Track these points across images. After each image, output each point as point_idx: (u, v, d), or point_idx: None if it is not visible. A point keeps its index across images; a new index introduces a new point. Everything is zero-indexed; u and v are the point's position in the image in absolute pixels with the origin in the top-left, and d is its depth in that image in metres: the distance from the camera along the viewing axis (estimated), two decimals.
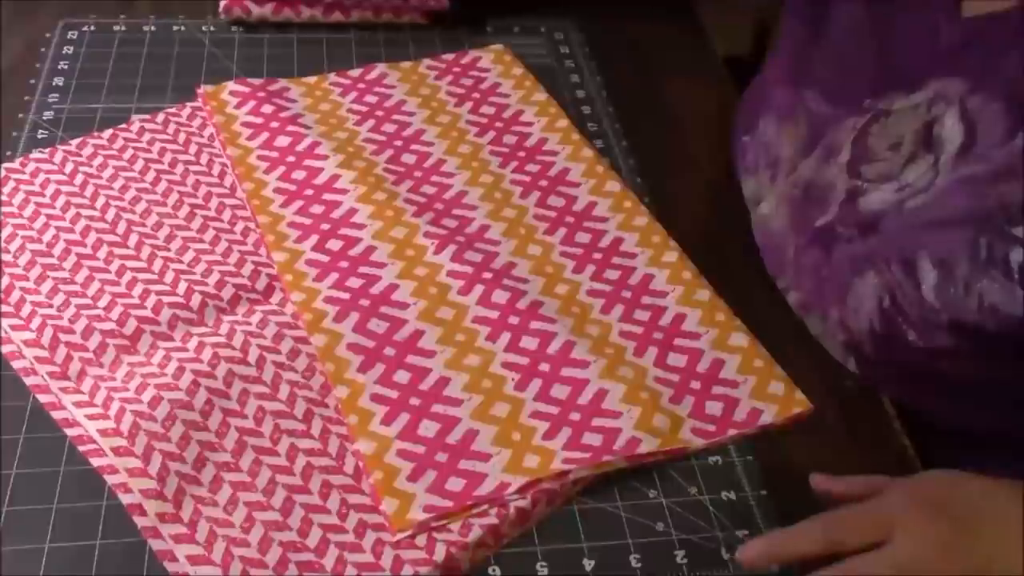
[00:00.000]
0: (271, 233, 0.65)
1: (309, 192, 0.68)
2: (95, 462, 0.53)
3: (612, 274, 0.65)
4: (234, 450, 0.53)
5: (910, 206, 0.58)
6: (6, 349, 0.58)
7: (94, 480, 0.53)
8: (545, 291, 0.63)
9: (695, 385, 0.59)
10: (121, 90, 0.77)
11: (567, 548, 0.53)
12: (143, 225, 0.65)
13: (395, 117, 0.76)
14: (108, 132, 0.72)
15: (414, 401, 0.56)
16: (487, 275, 0.63)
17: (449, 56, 0.82)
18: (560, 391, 0.57)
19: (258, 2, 0.84)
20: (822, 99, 0.67)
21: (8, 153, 0.70)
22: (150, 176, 0.69)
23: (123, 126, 0.73)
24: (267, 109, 0.74)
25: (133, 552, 0.50)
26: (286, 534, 0.50)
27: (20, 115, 0.74)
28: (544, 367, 0.58)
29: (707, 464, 0.57)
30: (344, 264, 0.63)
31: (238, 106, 0.74)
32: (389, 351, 0.59)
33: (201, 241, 0.65)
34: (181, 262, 0.63)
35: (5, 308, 0.59)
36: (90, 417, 0.54)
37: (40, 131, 0.73)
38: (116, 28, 0.83)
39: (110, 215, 0.65)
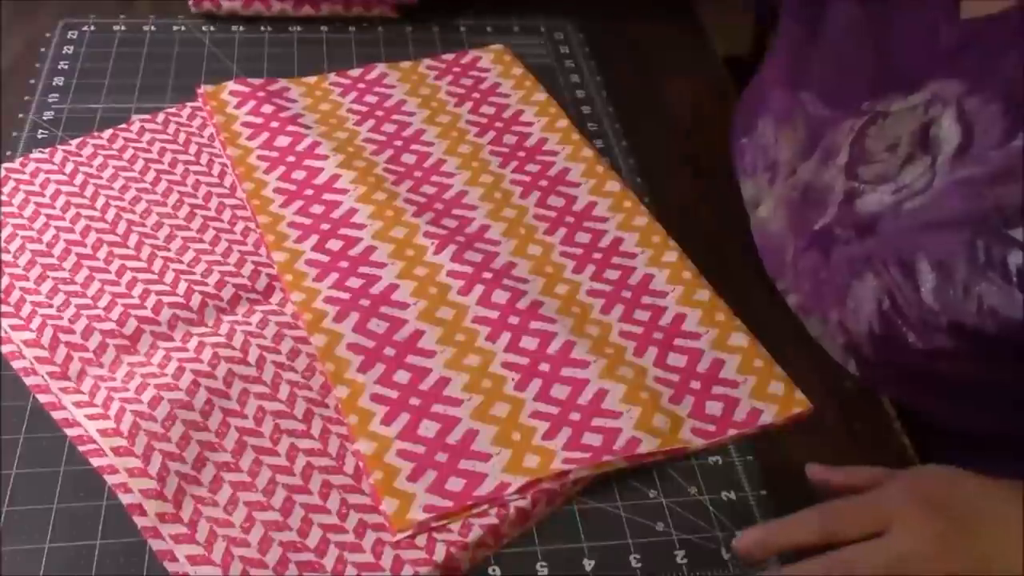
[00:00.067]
0: (271, 233, 0.65)
1: (309, 192, 0.68)
2: (95, 462, 0.53)
3: (612, 274, 0.65)
4: (234, 450, 0.53)
5: (907, 208, 0.58)
6: (6, 349, 0.58)
7: (94, 480, 0.53)
8: (545, 291, 0.63)
9: (695, 385, 0.59)
10: (121, 90, 0.77)
11: (567, 548, 0.53)
12: (143, 225, 0.65)
13: (395, 117, 0.76)
14: (108, 132, 0.72)
15: (414, 401, 0.56)
16: (487, 275, 0.63)
17: (449, 56, 0.82)
18: (560, 391, 0.57)
19: None
20: (820, 101, 0.67)
21: (8, 153, 0.70)
22: (150, 176, 0.69)
23: (123, 126, 0.72)
24: (267, 109, 0.74)
25: (133, 552, 0.50)
26: (286, 534, 0.50)
27: (20, 115, 0.74)
28: (544, 367, 0.58)
29: (707, 464, 0.57)
30: (344, 264, 0.63)
31: (238, 106, 0.74)
32: (389, 351, 0.59)
33: (201, 241, 0.65)
34: (181, 262, 0.63)
35: (5, 308, 0.59)
36: (90, 417, 0.54)
37: (40, 131, 0.73)
38: (116, 28, 0.83)
39: (110, 215, 0.65)
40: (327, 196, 0.68)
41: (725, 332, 0.61)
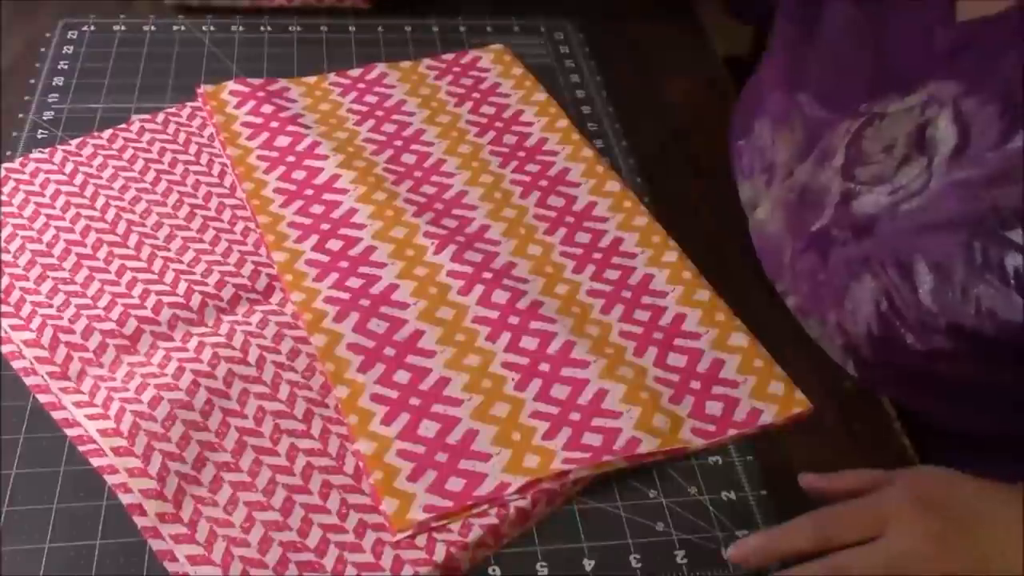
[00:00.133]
0: (271, 233, 0.65)
1: (309, 192, 0.68)
2: (95, 462, 0.53)
3: (612, 274, 0.65)
4: (234, 450, 0.53)
5: (904, 209, 0.58)
6: (6, 349, 0.58)
7: (94, 480, 0.53)
8: (545, 291, 0.63)
9: (695, 385, 0.59)
10: (121, 90, 0.77)
11: (567, 548, 0.53)
12: (143, 225, 0.65)
13: (395, 117, 0.76)
14: (108, 132, 0.72)
15: (414, 401, 0.56)
16: (487, 275, 0.63)
17: (449, 56, 0.82)
18: (560, 391, 0.57)
19: None
20: (817, 103, 0.67)
21: (8, 153, 0.70)
22: (150, 176, 0.69)
23: (123, 126, 0.73)
24: (267, 109, 0.74)
25: (133, 552, 0.50)
26: (286, 534, 0.50)
27: (20, 115, 0.74)
28: (544, 367, 0.58)
29: (707, 464, 0.57)
30: (344, 264, 0.63)
31: (238, 106, 0.74)
32: (389, 351, 0.59)
33: (201, 241, 0.65)
34: (181, 262, 0.63)
35: (5, 308, 0.59)
36: (90, 417, 0.54)
37: (40, 131, 0.73)
38: (116, 28, 0.83)
39: (110, 215, 0.65)
40: (327, 196, 0.68)
41: (725, 332, 0.61)
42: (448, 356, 0.59)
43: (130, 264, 0.62)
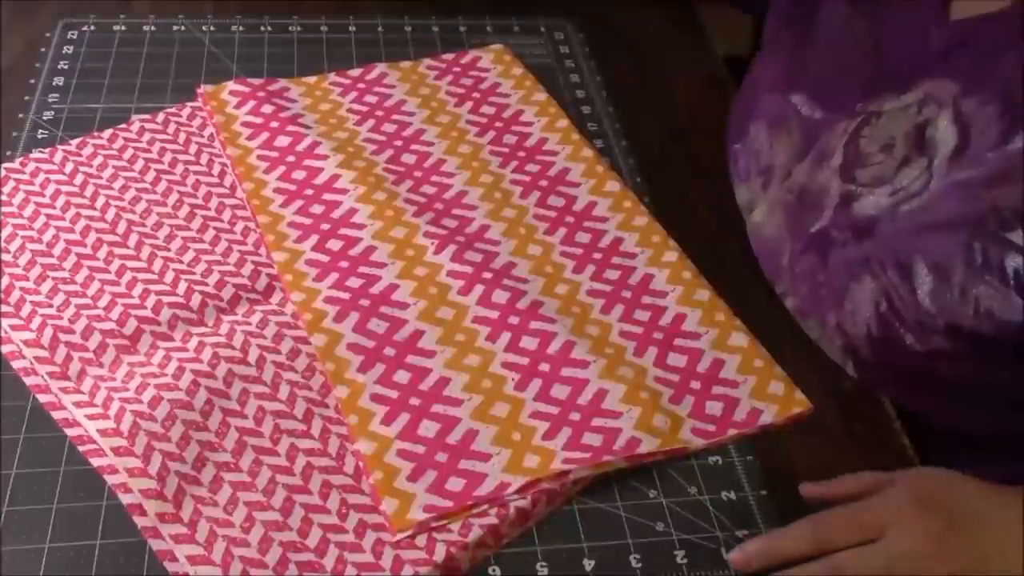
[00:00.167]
0: (271, 233, 0.65)
1: (309, 192, 0.68)
2: (95, 462, 0.53)
3: (612, 274, 0.65)
4: (234, 450, 0.53)
5: (904, 210, 0.58)
6: (6, 349, 0.58)
7: (94, 480, 0.53)
8: (545, 291, 0.63)
9: (695, 385, 0.59)
10: (121, 90, 0.77)
11: (567, 548, 0.53)
12: (143, 225, 0.65)
13: (395, 117, 0.76)
14: (108, 132, 0.72)
15: (414, 401, 0.56)
16: (487, 275, 0.63)
17: (449, 56, 0.82)
18: (560, 391, 0.57)
19: None
20: (813, 103, 0.67)
21: (8, 153, 0.70)
22: (150, 176, 0.69)
23: (123, 126, 0.73)
24: (267, 109, 0.74)
25: (133, 552, 0.50)
26: (286, 534, 0.50)
27: (20, 115, 0.74)
28: (544, 367, 0.58)
29: (707, 464, 0.57)
30: (344, 264, 0.63)
31: (238, 106, 0.74)
32: (389, 351, 0.59)
33: (201, 241, 0.65)
34: (181, 262, 0.63)
35: (5, 308, 0.59)
36: (90, 417, 0.54)
37: (40, 131, 0.73)
38: (116, 28, 0.83)
39: (110, 215, 0.65)
40: (327, 196, 0.68)
41: (725, 332, 0.61)
42: (448, 356, 0.59)
43: (130, 264, 0.62)
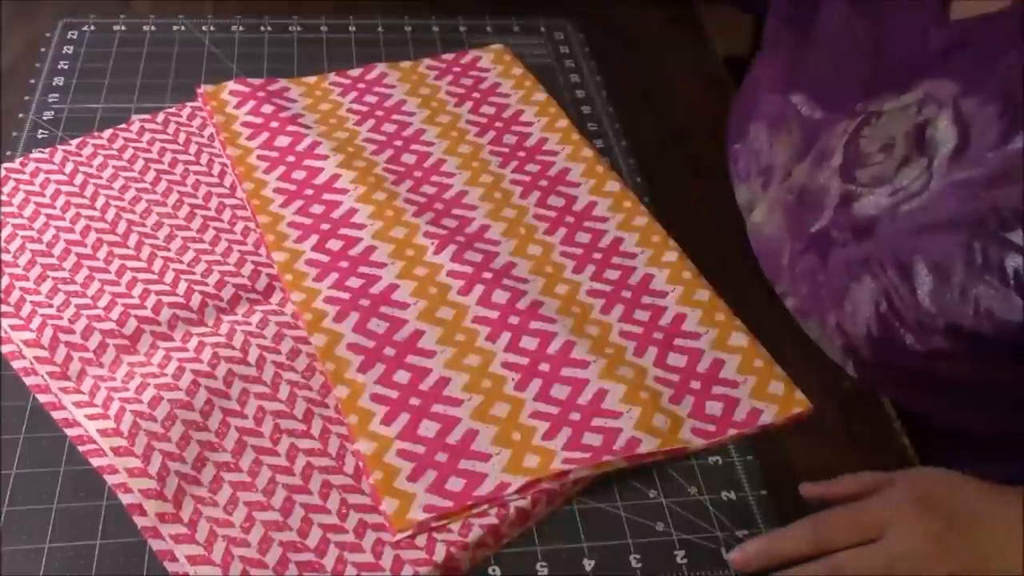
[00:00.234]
0: (271, 233, 0.65)
1: (309, 192, 0.68)
2: (95, 462, 0.53)
3: (612, 274, 0.65)
4: (234, 450, 0.53)
5: (904, 210, 0.58)
6: (6, 349, 0.58)
7: (94, 480, 0.53)
8: (545, 291, 0.63)
9: (695, 385, 0.59)
10: (121, 90, 0.77)
11: (567, 548, 0.53)
12: (143, 225, 0.65)
13: (395, 117, 0.76)
14: (108, 132, 0.72)
15: (414, 401, 0.56)
16: (487, 275, 0.63)
17: (449, 56, 0.82)
18: (560, 391, 0.57)
19: None
20: (813, 103, 0.67)
21: (8, 153, 0.70)
22: (150, 176, 0.69)
23: (123, 126, 0.73)
24: (267, 109, 0.74)
25: (133, 552, 0.50)
26: (286, 534, 0.50)
27: (20, 115, 0.74)
28: (544, 367, 0.58)
29: (707, 464, 0.57)
30: (344, 264, 0.63)
31: (238, 106, 0.74)
32: (389, 351, 0.59)
33: (201, 241, 0.65)
34: (181, 262, 0.63)
35: (5, 308, 0.59)
36: (90, 417, 0.54)
37: (40, 131, 0.73)
38: (116, 28, 0.83)
39: (110, 215, 0.65)
40: (327, 196, 0.68)
41: (725, 332, 0.61)
42: (448, 356, 0.59)
43: (130, 264, 0.62)
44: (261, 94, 0.75)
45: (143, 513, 0.50)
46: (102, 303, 0.60)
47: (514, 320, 0.61)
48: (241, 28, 0.85)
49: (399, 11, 0.89)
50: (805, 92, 0.68)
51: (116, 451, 0.52)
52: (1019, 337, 0.53)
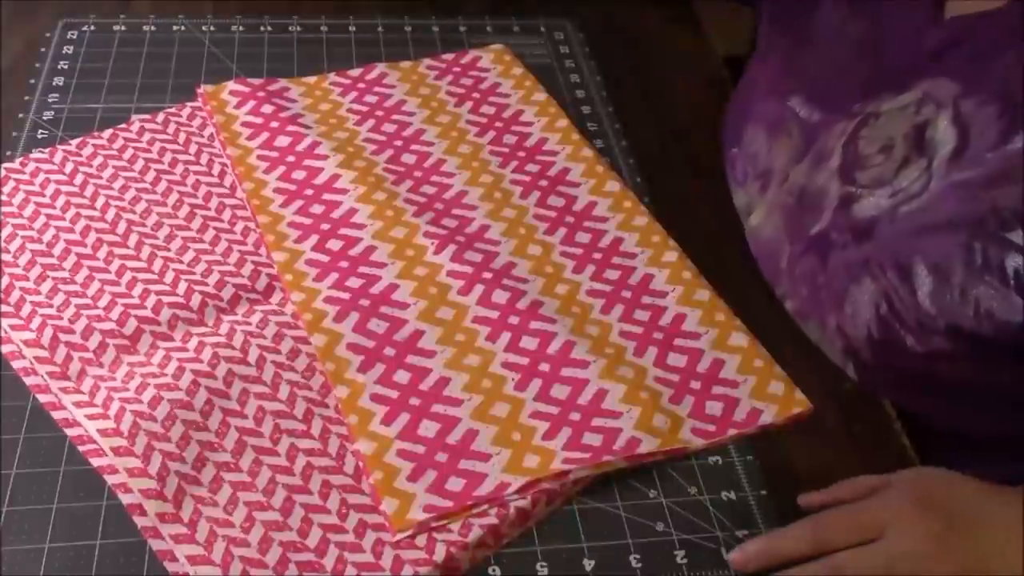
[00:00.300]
0: (271, 233, 0.65)
1: (309, 192, 0.68)
2: (95, 462, 0.53)
3: (612, 274, 0.65)
4: (234, 450, 0.53)
5: (904, 211, 0.58)
6: (6, 349, 0.58)
7: (94, 480, 0.53)
8: (545, 291, 0.63)
9: (695, 385, 0.59)
10: (121, 90, 0.77)
11: (567, 548, 0.53)
12: (143, 225, 0.65)
13: (395, 117, 0.76)
14: (108, 132, 0.72)
15: (414, 401, 0.56)
16: (487, 275, 0.63)
17: (449, 56, 0.82)
18: (560, 391, 0.57)
19: None
20: (810, 105, 0.67)
21: (8, 153, 0.70)
22: (150, 176, 0.69)
23: (123, 126, 0.73)
24: (267, 109, 0.74)
25: (133, 552, 0.50)
26: (286, 534, 0.50)
27: (20, 115, 0.74)
28: (544, 367, 0.58)
29: (707, 464, 0.57)
30: (344, 264, 0.63)
31: (238, 106, 0.74)
32: (389, 351, 0.59)
33: (201, 241, 0.65)
34: (181, 262, 0.63)
35: (5, 308, 0.59)
36: (90, 417, 0.54)
37: (40, 131, 0.73)
38: (116, 28, 0.83)
39: (110, 215, 0.65)
40: (327, 196, 0.68)
41: (725, 332, 0.61)
42: (448, 356, 0.59)
43: (130, 264, 0.62)
44: (261, 94, 0.75)
45: (143, 513, 0.50)
46: (102, 303, 0.60)
47: (514, 320, 0.61)
48: (241, 28, 0.85)
49: (399, 11, 0.89)
50: (802, 95, 0.68)
51: (116, 451, 0.52)
52: (1019, 338, 0.53)
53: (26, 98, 0.75)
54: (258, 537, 0.50)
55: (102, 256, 0.63)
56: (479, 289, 0.62)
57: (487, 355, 0.59)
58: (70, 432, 0.54)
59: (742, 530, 0.54)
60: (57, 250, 0.63)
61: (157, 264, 0.63)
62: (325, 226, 0.66)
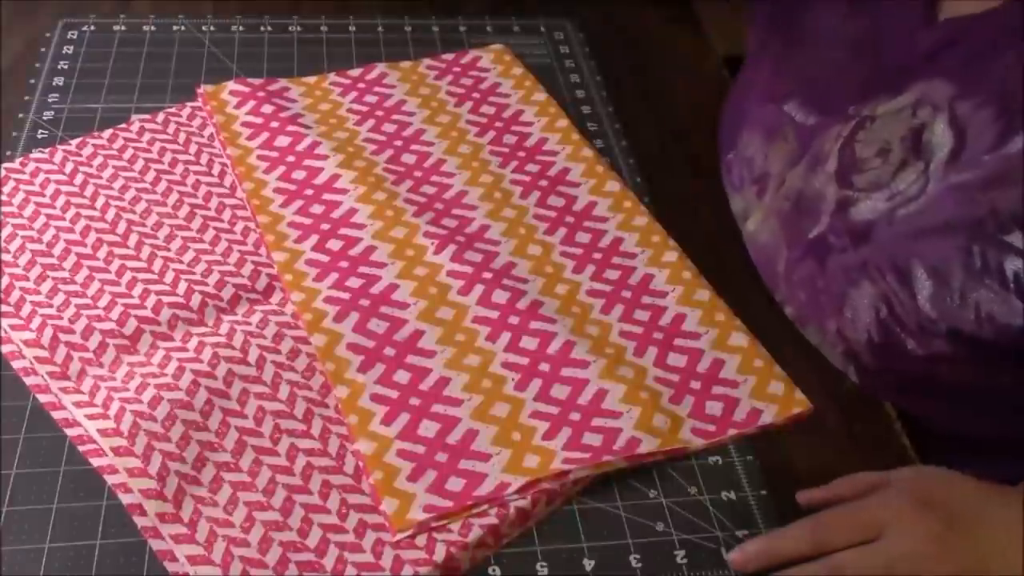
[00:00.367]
0: (271, 233, 0.65)
1: (309, 192, 0.68)
2: (95, 462, 0.53)
3: (612, 274, 0.65)
4: (234, 450, 0.53)
5: (902, 214, 0.58)
6: (6, 349, 0.58)
7: (94, 480, 0.53)
8: (545, 291, 0.63)
9: (695, 385, 0.59)
10: (121, 90, 0.77)
11: (567, 548, 0.53)
12: (143, 225, 0.65)
13: (395, 117, 0.76)
14: (108, 132, 0.72)
15: (414, 401, 0.56)
16: (487, 275, 0.63)
17: (449, 56, 0.82)
18: (560, 391, 0.57)
19: None
20: (805, 109, 0.67)
21: (8, 153, 0.70)
22: (150, 176, 0.69)
23: (123, 126, 0.73)
24: (267, 109, 0.74)
25: (133, 552, 0.50)
26: (286, 534, 0.50)
27: (20, 115, 0.74)
28: (544, 367, 0.58)
29: (707, 464, 0.57)
30: (344, 264, 0.63)
31: (238, 106, 0.74)
32: (389, 351, 0.59)
33: (201, 241, 0.65)
34: (181, 262, 0.63)
35: (5, 308, 0.59)
36: (90, 417, 0.54)
37: (40, 131, 0.73)
38: (116, 28, 0.83)
39: (110, 215, 0.65)
40: (327, 196, 0.68)
41: (725, 332, 0.61)
42: (448, 356, 0.59)
43: (130, 264, 0.62)
44: (261, 94, 0.75)
45: (143, 513, 0.50)
46: (102, 303, 0.60)
47: (514, 320, 0.61)
48: (241, 28, 0.85)
49: (399, 11, 0.89)
50: (797, 97, 0.68)
51: (116, 451, 0.52)
52: (1020, 341, 0.53)
53: (26, 98, 0.75)
54: (258, 537, 0.50)
55: (102, 256, 0.63)
56: (479, 289, 0.62)
57: (487, 355, 0.59)
58: (70, 432, 0.54)
59: (742, 530, 0.54)
60: (57, 250, 0.63)
61: (157, 264, 0.63)
62: (325, 226, 0.66)
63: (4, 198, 0.66)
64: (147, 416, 0.53)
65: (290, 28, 0.86)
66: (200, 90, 0.75)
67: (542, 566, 0.52)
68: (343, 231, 0.65)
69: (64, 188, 0.67)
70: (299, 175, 0.69)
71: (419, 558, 0.50)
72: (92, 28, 0.83)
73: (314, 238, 0.65)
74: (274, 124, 0.73)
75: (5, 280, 0.61)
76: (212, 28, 0.84)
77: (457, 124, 0.76)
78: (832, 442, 0.59)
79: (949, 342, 0.55)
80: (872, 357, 0.60)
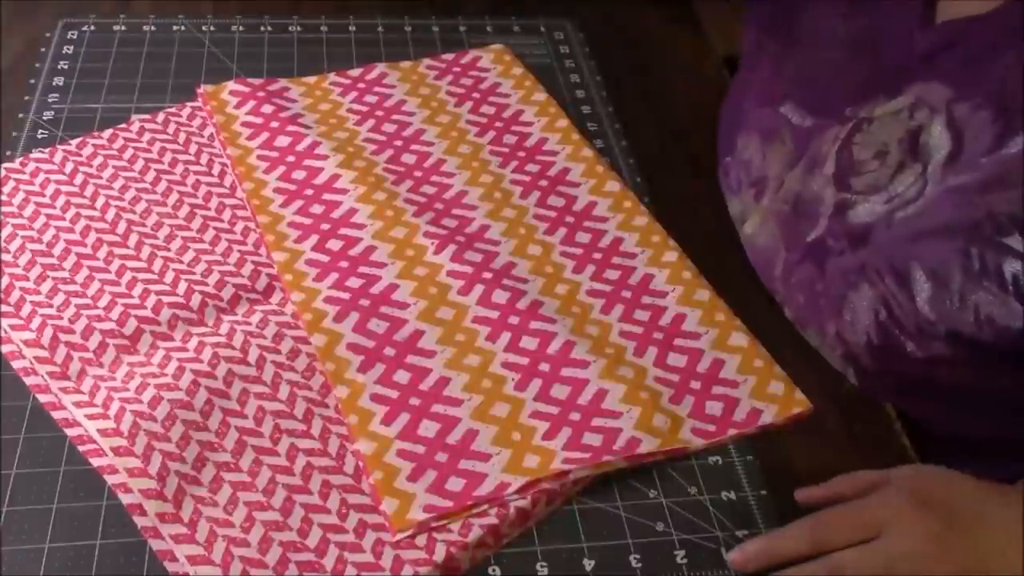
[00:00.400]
0: (271, 233, 0.65)
1: (309, 192, 0.68)
2: (95, 462, 0.53)
3: (612, 274, 0.65)
4: (234, 450, 0.53)
5: (900, 217, 0.58)
6: (6, 349, 0.58)
7: (94, 480, 0.53)
8: (545, 291, 0.63)
9: (695, 385, 0.59)
10: (121, 90, 0.77)
11: (567, 548, 0.53)
12: (143, 225, 0.65)
13: (395, 117, 0.76)
14: (108, 132, 0.72)
15: (414, 401, 0.56)
16: (487, 275, 0.63)
17: (449, 56, 0.82)
18: (560, 391, 0.57)
19: None
20: (802, 110, 0.67)
21: (8, 153, 0.70)
22: (150, 176, 0.69)
23: (123, 126, 0.73)
24: (267, 109, 0.74)
25: (133, 552, 0.50)
26: (286, 534, 0.50)
27: (20, 115, 0.74)
28: (544, 367, 0.58)
29: (707, 464, 0.57)
30: (344, 264, 0.63)
31: (238, 106, 0.74)
32: (389, 351, 0.59)
33: (201, 241, 0.65)
34: (181, 262, 0.63)
35: (5, 308, 0.59)
36: (90, 417, 0.54)
37: (40, 131, 0.73)
38: (116, 28, 0.83)
39: (110, 215, 0.65)
40: (327, 196, 0.68)
41: (725, 332, 0.61)
42: (448, 356, 0.59)
43: (130, 264, 0.62)
44: (261, 94, 0.75)
45: (143, 513, 0.50)
46: (102, 303, 0.60)
47: (514, 320, 0.61)
48: (241, 28, 0.85)
49: (399, 11, 0.89)
50: (794, 99, 0.68)
51: (116, 451, 0.52)
52: (1019, 343, 0.53)
53: (26, 98, 0.75)
54: (258, 537, 0.50)
55: (102, 256, 0.63)
56: (479, 289, 0.62)
57: (487, 355, 0.59)
58: (70, 432, 0.54)
59: (742, 530, 0.54)
60: (57, 250, 0.63)
61: (157, 264, 0.63)
62: (325, 226, 0.66)
63: (4, 198, 0.66)
64: (147, 416, 0.53)
65: (290, 28, 0.86)
66: (200, 90, 0.75)
67: (542, 566, 0.52)
68: (343, 231, 0.65)
69: (64, 188, 0.67)
70: (299, 175, 0.69)
71: (419, 558, 0.50)
72: (92, 28, 0.83)
73: (314, 238, 0.65)
74: (274, 124, 0.73)
75: (5, 280, 0.61)
76: (212, 28, 0.84)
77: (457, 124, 0.76)
78: (832, 442, 0.59)
79: (948, 344, 0.55)
80: (871, 359, 0.60)
